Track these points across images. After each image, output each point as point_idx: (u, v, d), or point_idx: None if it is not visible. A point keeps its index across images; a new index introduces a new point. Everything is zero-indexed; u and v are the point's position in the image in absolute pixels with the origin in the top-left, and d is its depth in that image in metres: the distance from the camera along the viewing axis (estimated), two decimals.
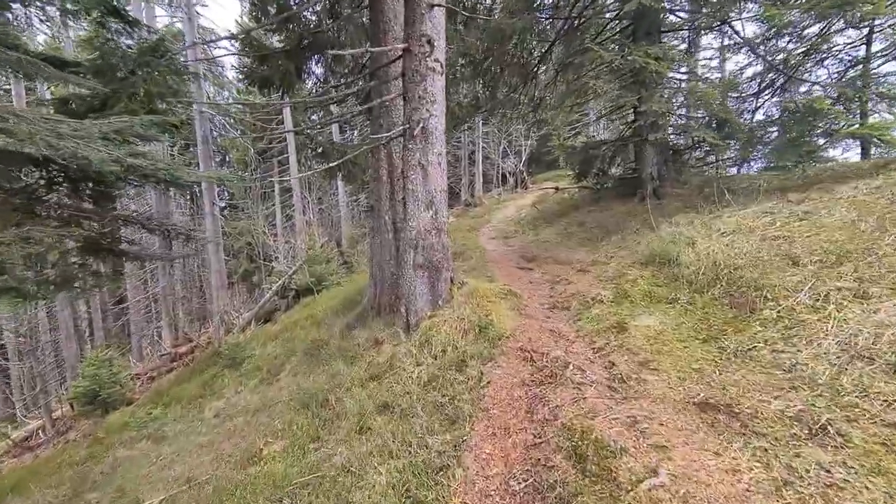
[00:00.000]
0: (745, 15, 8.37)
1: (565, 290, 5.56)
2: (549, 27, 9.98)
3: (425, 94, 4.95)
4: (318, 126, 14.97)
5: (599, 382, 3.26)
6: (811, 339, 3.10)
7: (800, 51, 8.82)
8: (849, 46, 9.31)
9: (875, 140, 5.32)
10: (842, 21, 8.54)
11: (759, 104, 9.70)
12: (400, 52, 5.16)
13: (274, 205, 24.10)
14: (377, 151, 6.35)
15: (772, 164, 10.16)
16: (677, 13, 9.16)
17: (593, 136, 14.26)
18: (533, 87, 10.89)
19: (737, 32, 8.44)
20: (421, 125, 4.97)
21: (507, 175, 27.16)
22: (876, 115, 9.30)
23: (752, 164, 10.56)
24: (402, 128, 5.22)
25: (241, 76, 12.86)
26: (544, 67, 11.01)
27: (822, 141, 9.61)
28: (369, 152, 6.73)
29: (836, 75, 9.33)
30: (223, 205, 27.26)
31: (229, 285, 16.03)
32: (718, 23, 8.50)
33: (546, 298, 5.54)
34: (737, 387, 2.88)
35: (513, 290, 5.64)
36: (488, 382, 3.58)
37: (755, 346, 3.24)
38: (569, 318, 4.77)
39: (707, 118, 8.86)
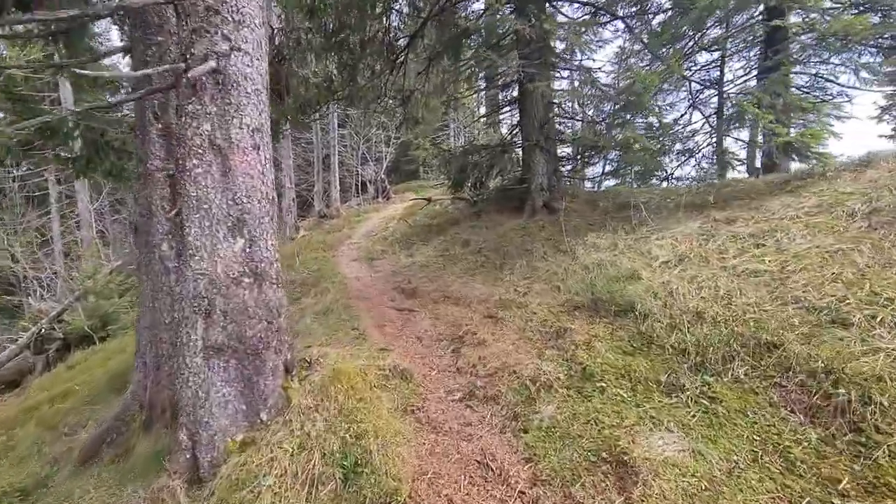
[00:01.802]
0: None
1: (480, 359, 3.55)
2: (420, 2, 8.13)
3: (221, 1, 2.46)
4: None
5: None
6: None
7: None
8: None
9: (808, 153, 4.64)
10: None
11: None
12: None
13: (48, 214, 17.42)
14: (142, 119, 3.50)
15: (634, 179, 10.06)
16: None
17: (474, 141, 12.89)
18: (402, 76, 8.91)
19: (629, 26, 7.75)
20: (212, 65, 2.45)
21: (368, 183, 24.84)
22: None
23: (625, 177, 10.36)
24: (168, 67, 2.60)
25: None
26: (414, 56, 9.16)
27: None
28: (134, 125, 3.81)
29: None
30: None
31: None
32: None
33: (452, 376, 3.46)
34: None
35: (398, 365, 3.42)
36: None
37: None
38: (502, 425, 2.75)
39: (601, 121, 8.03)
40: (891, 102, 11.76)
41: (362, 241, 11.99)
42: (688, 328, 3.00)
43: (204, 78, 2.44)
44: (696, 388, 2.56)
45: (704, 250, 4.16)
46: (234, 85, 2.57)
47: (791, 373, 2.38)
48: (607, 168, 10.79)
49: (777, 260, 3.57)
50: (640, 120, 8.45)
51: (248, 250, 2.68)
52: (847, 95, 7.51)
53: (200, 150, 2.52)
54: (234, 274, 2.61)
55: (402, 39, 8.30)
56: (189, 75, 2.34)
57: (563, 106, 8.09)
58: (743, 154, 9.21)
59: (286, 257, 10.42)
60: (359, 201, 23.46)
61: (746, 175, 8.19)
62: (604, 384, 2.81)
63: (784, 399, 2.29)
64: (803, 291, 3.00)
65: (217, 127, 2.52)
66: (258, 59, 2.73)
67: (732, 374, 2.56)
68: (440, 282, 6.26)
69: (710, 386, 2.54)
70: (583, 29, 7.22)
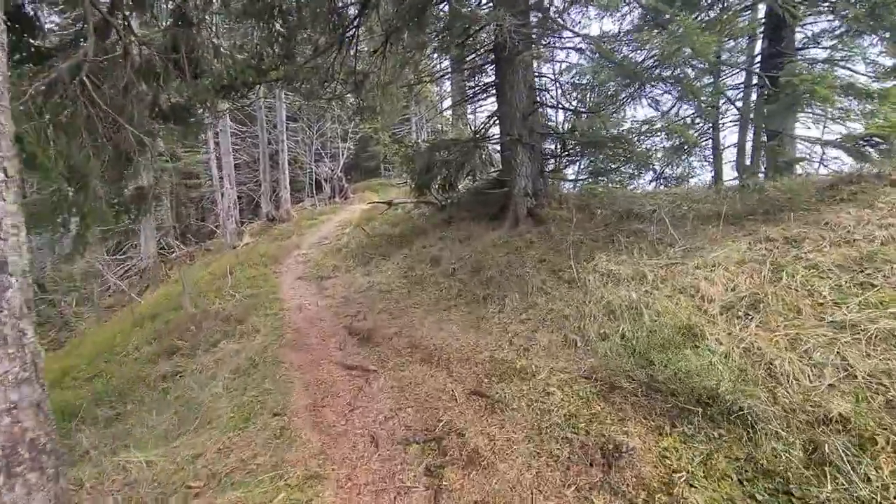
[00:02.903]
0: None
1: None
2: None
3: None
4: None
5: None
6: None
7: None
8: None
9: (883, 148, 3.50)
10: None
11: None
12: None
13: None
14: None
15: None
16: None
17: (441, 136, 11.30)
18: (352, 55, 7.31)
19: None
20: None
21: (323, 182, 22.86)
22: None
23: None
24: None
25: None
26: (367, 31, 7.59)
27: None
28: None
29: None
30: None
31: None
32: None
33: None
34: None
35: None
36: None
37: None
38: None
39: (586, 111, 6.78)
40: None
41: (313, 252, 10.27)
42: (850, 459, 1.70)
43: None
44: None
45: (783, 290, 2.91)
46: None
47: None
48: (588, 165, 9.65)
49: None
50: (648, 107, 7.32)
51: None
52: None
53: None
54: None
55: (351, 7, 6.70)
56: None
57: (551, 91, 6.76)
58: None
59: (216, 276, 8.60)
60: (313, 202, 21.46)
61: (763, 177, 7.22)
62: None
63: None
64: None
65: None
66: None
67: None
68: (405, 318, 4.77)
69: None
70: None
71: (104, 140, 4.16)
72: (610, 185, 9.82)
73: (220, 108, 6.38)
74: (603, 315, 3.34)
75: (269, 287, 7.34)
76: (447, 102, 27.04)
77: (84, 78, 3.80)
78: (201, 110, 6.27)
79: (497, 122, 7.28)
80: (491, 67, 7.40)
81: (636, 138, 7.29)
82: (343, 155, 23.58)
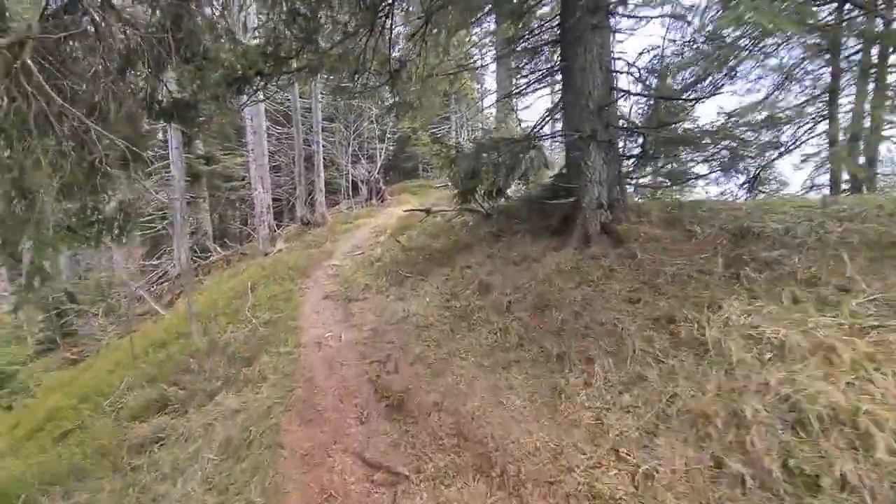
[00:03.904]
0: None
1: None
2: None
3: None
4: None
5: None
6: None
7: None
8: None
9: None
10: None
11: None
12: None
13: None
14: None
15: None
16: None
17: (490, 133, 9.94)
18: (387, 40, 6.24)
19: None
20: None
21: (360, 184, 22.13)
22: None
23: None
24: None
25: None
26: (402, 11, 6.51)
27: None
28: None
29: None
30: None
31: None
32: None
33: None
34: None
35: None
36: None
37: None
38: None
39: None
40: None
41: (344, 264, 9.32)
42: None
43: None
44: None
45: None
46: None
47: None
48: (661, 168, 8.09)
49: None
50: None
51: None
52: None
53: None
54: None
55: None
56: None
57: (634, 74, 5.36)
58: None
59: (238, 293, 7.77)
60: (349, 204, 20.76)
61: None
62: None
63: None
64: None
65: None
66: None
67: None
68: (448, 376, 3.59)
69: None
70: None
71: (68, 143, 3.24)
72: (687, 191, 8.27)
73: (232, 103, 5.44)
74: (780, 423, 2.02)
75: (290, 310, 6.38)
76: (490, 99, 25.70)
77: (28, 61, 2.87)
78: (212, 109, 5.38)
79: (559, 115, 5.98)
80: (552, 49, 6.11)
81: (738, 132, 5.82)
82: (381, 156, 22.77)
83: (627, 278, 4.09)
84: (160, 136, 14.06)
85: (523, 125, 11.28)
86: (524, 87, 7.69)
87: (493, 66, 13.26)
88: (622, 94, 5.41)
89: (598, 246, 4.92)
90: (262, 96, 5.76)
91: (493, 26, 12.54)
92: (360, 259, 9.42)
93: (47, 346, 10.39)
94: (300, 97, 17.60)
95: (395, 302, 6.01)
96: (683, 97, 5.60)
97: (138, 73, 3.87)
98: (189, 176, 17.82)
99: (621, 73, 5.30)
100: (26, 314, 8.86)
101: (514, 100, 10.88)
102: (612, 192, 5.20)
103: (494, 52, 10.99)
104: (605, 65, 5.07)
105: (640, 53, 5.96)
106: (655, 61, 6.42)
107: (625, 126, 5.49)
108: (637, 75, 5.99)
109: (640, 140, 5.93)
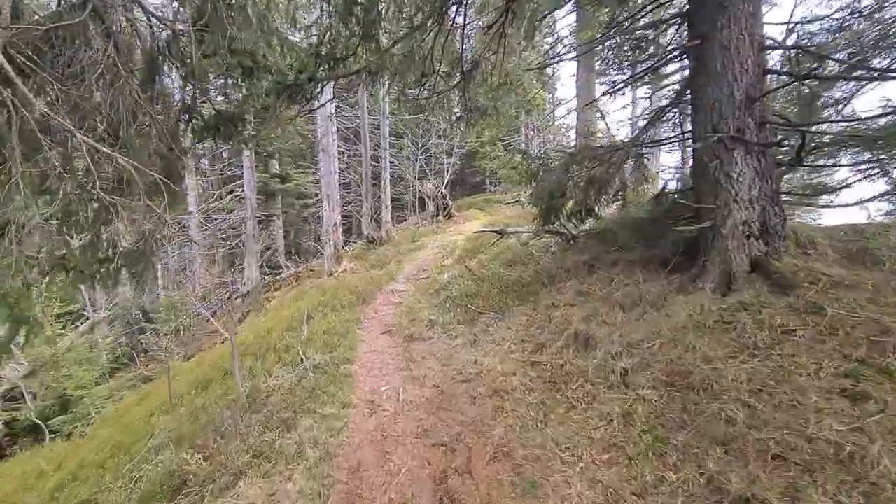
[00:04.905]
0: None
1: None
2: None
3: None
4: None
5: None
6: None
7: None
8: None
9: None
10: None
11: None
12: None
13: None
14: None
15: None
16: None
17: (588, 140, 8.52)
18: (457, 35, 5.34)
19: None
20: None
21: (426, 199, 21.59)
22: None
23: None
24: None
25: None
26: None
27: None
28: None
29: None
30: None
31: None
32: None
33: None
34: None
35: None
36: None
37: None
38: None
39: None
40: None
41: (407, 289, 8.47)
42: None
43: None
44: None
45: None
46: None
47: None
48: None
49: None
50: None
51: None
52: None
53: None
54: None
55: None
56: None
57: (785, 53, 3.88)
58: None
59: (293, 321, 7.14)
60: (416, 221, 20.25)
61: None
62: None
63: None
64: None
65: None
66: None
67: None
68: (547, 497, 2.42)
69: None
70: None
71: (56, 163, 2.59)
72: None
73: (284, 114, 4.77)
74: None
75: (344, 349, 5.55)
76: (562, 109, 23.96)
77: (1, 59, 2.23)
78: (252, 122, 4.73)
79: (691, 111, 4.63)
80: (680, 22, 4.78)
81: None
82: (448, 171, 22.13)
83: (821, 349, 2.67)
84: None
85: (605, 132, 9.82)
86: (619, 85, 6.37)
87: (557, 70, 12.02)
88: (782, 77, 3.95)
89: (750, 290, 3.49)
90: (315, 105, 5.04)
91: (573, 18, 11.28)
92: (424, 284, 8.51)
93: (125, 362, 10.69)
94: (369, 115, 17.47)
95: (464, 348, 4.93)
96: (875, 75, 3.99)
97: (154, 75, 3.20)
98: (263, 194, 18.39)
99: (776, 48, 3.86)
100: (98, 334, 9.12)
101: (600, 104, 9.50)
102: (765, 213, 3.75)
103: (574, 51, 9.75)
104: (756, 40, 3.69)
105: (789, 27, 4.44)
106: (805, 38, 4.87)
107: (781, 122, 4.00)
108: (788, 56, 4.49)
109: (793, 141, 4.38)
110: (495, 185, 26.79)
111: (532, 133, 26.09)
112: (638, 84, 6.94)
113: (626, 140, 5.49)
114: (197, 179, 18.60)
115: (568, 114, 22.20)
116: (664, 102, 6.09)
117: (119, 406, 6.58)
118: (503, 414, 3.34)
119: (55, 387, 7.29)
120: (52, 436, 6.80)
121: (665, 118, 5.68)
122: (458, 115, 6.32)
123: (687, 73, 5.15)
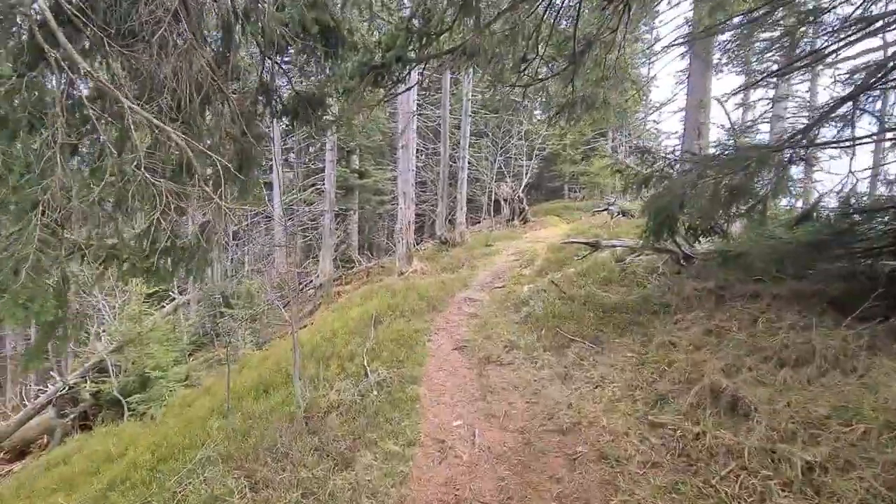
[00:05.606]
0: None
1: None
2: None
3: None
4: None
5: None
6: None
7: None
8: None
9: None
10: None
11: None
12: None
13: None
14: None
15: None
16: None
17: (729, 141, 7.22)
18: (571, 8, 4.54)
19: None
20: None
21: (502, 202, 20.73)
22: None
23: None
24: None
25: None
26: None
27: None
28: None
29: None
30: None
31: None
32: None
33: None
34: None
35: None
36: None
37: None
38: None
39: None
40: None
41: (482, 299, 7.75)
42: None
43: None
44: None
45: None
46: None
47: None
48: None
49: None
50: None
51: None
52: None
53: None
54: None
55: None
56: None
57: None
58: None
59: (361, 324, 6.73)
60: (490, 224, 19.48)
61: None
62: None
63: None
64: None
65: None
66: None
67: None
68: None
69: None
70: None
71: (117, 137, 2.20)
72: None
73: (368, 98, 4.27)
74: None
75: (412, 364, 4.97)
76: (667, 109, 21.60)
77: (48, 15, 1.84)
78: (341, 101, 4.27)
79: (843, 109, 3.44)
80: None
81: None
82: (527, 174, 21.11)
83: None
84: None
85: (728, 133, 8.32)
86: (765, 75, 5.11)
87: (661, 66, 10.61)
88: None
89: None
90: (401, 88, 4.50)
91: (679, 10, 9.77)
92: (500, 295, 7.74)
93: (204, 342, 11.16)
94: (450, 114, 17.04)
95: (553, 383, 4.10)
96: None
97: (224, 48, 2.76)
98: (342, 189, 18.71)
99: None
100: (181, 315, 9.51)
101: (709, 101, 8.05)
102: None
103: (686, 42, 8.38)
104: None
105: None
106: None
107: None
108: None
109: None
110: (574, 192, 25.23)
111: (618, 137, 24.16)
112: (786, 75, 5.56)
113: (779, 140, 4.29)
114: (285, 172, 19.46)
115: (659, 116, 20.17)
116: (827, 95, 4.75)
117: (187, 394, 6.59)
118: (616, 494, 2.50)
119: (139, 363, 7.61)
120: (131, 413, 7.05)
121: (835, 114, 4.39)
122: (558, 107, 5.46)
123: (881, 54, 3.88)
